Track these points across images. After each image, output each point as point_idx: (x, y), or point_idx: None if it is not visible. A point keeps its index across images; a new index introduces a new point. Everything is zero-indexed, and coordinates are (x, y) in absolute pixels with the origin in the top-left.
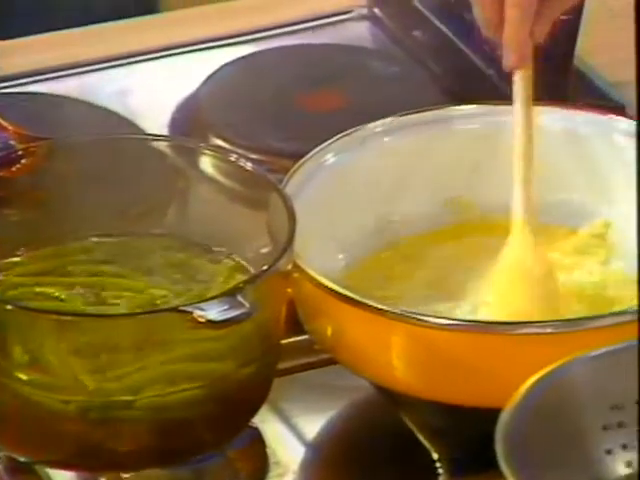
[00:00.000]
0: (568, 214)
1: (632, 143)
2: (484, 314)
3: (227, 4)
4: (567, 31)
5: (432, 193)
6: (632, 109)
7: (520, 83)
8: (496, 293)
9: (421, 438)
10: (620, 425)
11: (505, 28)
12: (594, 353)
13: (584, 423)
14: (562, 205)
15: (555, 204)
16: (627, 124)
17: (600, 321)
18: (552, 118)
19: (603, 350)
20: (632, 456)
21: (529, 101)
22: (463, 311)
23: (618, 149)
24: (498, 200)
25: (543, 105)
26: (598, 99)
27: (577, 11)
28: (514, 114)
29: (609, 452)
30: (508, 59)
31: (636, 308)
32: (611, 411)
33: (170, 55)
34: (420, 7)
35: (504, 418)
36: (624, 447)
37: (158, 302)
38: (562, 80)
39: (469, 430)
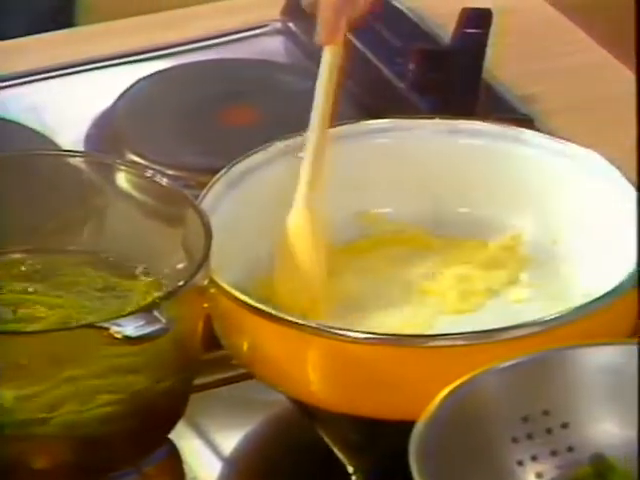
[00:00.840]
0: (478, 227)
1: (541, 155)
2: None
3: (142, 18)
4: (476, 44)
5: (344, 207)
6: (540, 122)
7: (327, 59)
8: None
9: (337, 452)
10: (529, 436)
11: (320, 5)
12: (504, 365)
13: (495, 435)
14: (472, 218)
15: (465, 217)
16: (535, 137)
17: (511, 333)
18: (462, 132)
19: (512, 362)
20: (542, 467)
21: (333, 75)
22: (378, 322)
23: (527, 162)
24: (409, 213)
25: (453, 119)
26: (507, 112)
27: (486, 25)
28: (318, 82)
29: (520, 463)
30: (319, 34)
31: (544, 319)
32: (521, 423)
33: (86, 70)
34: None
35: (417, 431)
36: (534, 458)
37: (75, 318)
38: (471, 94)
39: (384, 443)
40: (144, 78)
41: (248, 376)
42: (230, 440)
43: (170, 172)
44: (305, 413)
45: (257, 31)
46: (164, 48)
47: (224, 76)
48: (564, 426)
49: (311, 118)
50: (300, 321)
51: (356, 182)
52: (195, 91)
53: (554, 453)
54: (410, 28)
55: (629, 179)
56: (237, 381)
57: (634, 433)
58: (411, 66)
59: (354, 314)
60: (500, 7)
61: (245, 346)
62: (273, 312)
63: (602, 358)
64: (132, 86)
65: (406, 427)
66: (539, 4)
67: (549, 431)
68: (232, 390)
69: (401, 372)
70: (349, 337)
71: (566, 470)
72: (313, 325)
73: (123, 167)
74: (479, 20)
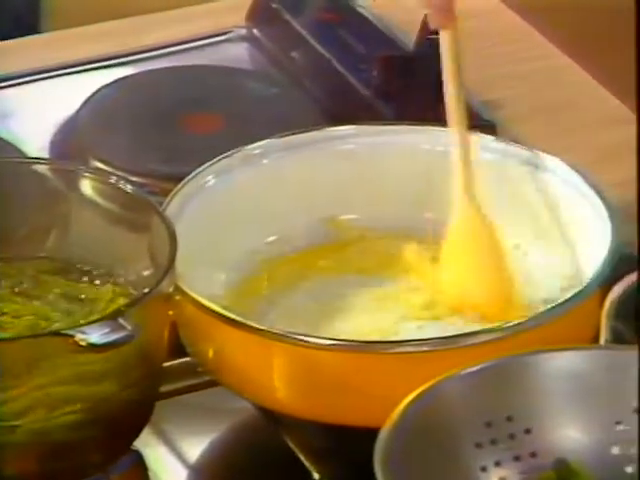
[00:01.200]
0: (442, 232)
1: (503, 161)
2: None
3: (106, 25)
4: (439, 52)
5: (310, 213)
6: (502, 127)
7: (446, 42)
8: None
9: (302, 458)
10: (493, 442)
11: None
12: (467, 371)
13: (459, 440)
14: (437, 224)
15: (430, 223)
16: (498, 143)
17: (474, 338)
18: (425, 138)
19: (476, 368)
20: (505, 473)
21: (457, 58)
22: (343, 328)
23: (490, 167)
24: (375, 219)
25: (417, 125)
26: (470, 118)
27: None
28: (444, 72)
29: (484, 469)
30: (433, 19)
31: (507, 325)
32: (485, 428)
33: (49, 77)
34: (298, 28)
35: (382, 438)
36: (497, 464)
37: (41, 326)
38: (434, 100)
39: (350, 450)
40: (108, 85)
41: (214, 383)
42: (195, 447)
43: (134, 179)
44: (270, 420)
45: (221, 37)
46: (128, 55)
47: (188, 83)
48: (527, 431)
49: (449, 117)
50: (265, 328)
51: (322, 188)
52: (159, 98)
53: (517, 458)
54: (374, 35)
55: (591, 184)
56: (203, 388)
57: (596, 438)
58: (375, 72)
59: (319, 320)
60: (462, 12)
61: (210, 353)
62: (238, 319)
63: (564, 364)
64: (95, 93)
65: (371, 433)
66: (501, 9)
67: (512, 437)
68: (198, 397)
69: (366, 378)
70: (314, 344)
71: (529, 475)
72: (278, 332)
73: (87, 174)
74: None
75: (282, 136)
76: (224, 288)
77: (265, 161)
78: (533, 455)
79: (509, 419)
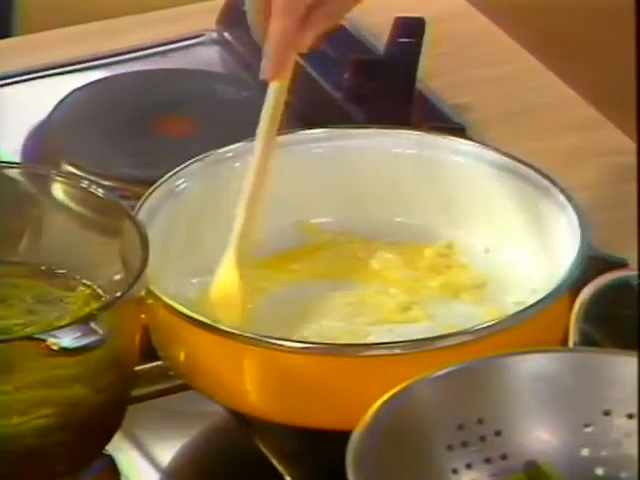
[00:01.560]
0: (414, 236)
1: (474, 164)
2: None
3: (77, 28)
4: (409, 54)
5: (282, 216)
6: (472, 131)
7: (272, 95)
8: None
9: (274, 462)
10: (464, 444)
11: (268, 37)
12: (438, 373)
13: (431, 443)
14: (407, 227)
15: (400, 226)
16: (468, 146)
17: (445, 341)
18: (396, 141)
19: (447, 370)
20: (476, 475)
21: (277, 117)
22: (315, 331)
23: (461, 171)
24: (346, 222)
25: (388, 128)
26: (440, 121)
27: (419, 35)
28: (259, 126)
29: (455, 471)
30: (264, 69)
31: (477, 328)
32: (456, 430)
33: (22, 80)
34: None
35: (354, 440)
36: (468, 466)
37: (12, 330)
38: (405, 103)
39: (322, 453)
40: (79, 88)
41: (185, 387)
42: (168, 451)
43: (106, 183)
44: (242, 423)
45: (192, 41)
46: (99, 58)
47: (160, 86)
48: (498, 434)
49: (254, 154)
50: (236, 331)
51: (293, 191)
52: (131, 101)
53: (488, 461)
54: (345, 38)
55: (560, 187)
56: (174, 392)
57: (566, 440)
58: (346, 76)
59: (291, 323)
60: (433, 16)
61: (182, 357)
62: (210, 322)
63: (534, 366)
64: (67, 96)
65: (343, 436)
66: (471, 13)
67: (483, 439)
68: (169, 401)
69: (338, 381)
70: (285, 347)
71: (500, 477)
72: (249, 335)
73: (59, 178)
74: (412, 29)
75: (253, 140)
76: (195, 292)
77: (237, 164)
78: (504, 457)
79: (480, 421)
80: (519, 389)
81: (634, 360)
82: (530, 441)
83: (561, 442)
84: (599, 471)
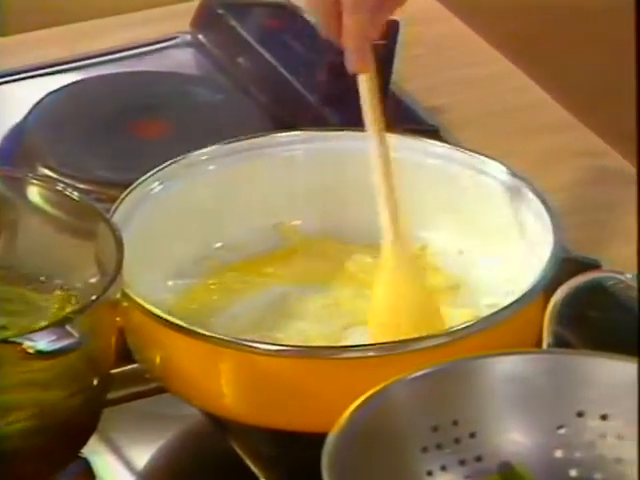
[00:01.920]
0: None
1: (447, 166)
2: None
3: (52, 31)
4: (383, 56)
5: (257, 219)
6: (447, 133)
7: (365, 85)
8: (378, 317)
9: (250, 464)
10: (439, 446)
11: (344, 34)
12: (413, 375)
13: (406, 445)
14: (382, 229)
15: (374, 228)
16: (441, 148)
17: (420, 343)
18: (370, 143)
19: (421, 372)
20: (451, 477)
21: (376, 104)
22: (290, 334)
23: (434, 173)
24: (320, 224)
25: (362, 131)
26: (414, 123)
27: (393, 38)
28: (365, 119)
29: (430, 474)
30: (350, 64)
31: (452, 330)
32: (431, 432)
33: None
34: (244, 34)
35: (329, 443)
36: (443, 468)
37: None
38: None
39: (298, 455)
40: (55, 91)
41: (161, 390)
42: (143, 454)
43: (81, 186)
44: (218, 426)
45: (167, 43)
46: (74, 61)
47: (134, 89)
48: (472, 436)
49: (371, 154)
50: (212, 334)
51: (268, 194)
52: (106, 104)
53: (463, 462)
54: (319, 41)
55: (534, 189)
56: (150, 395)
57: (540, 441)
58: (320, 78)
59: (266, 326)
60: (406, 18)
61: (158, 359)
62: (185, 325)
63: (508, 368)
64: (43, 99)
65: (318, 439)
66: (445, 16)
67: (458, 441)
68: (145, 404)
69: (313, 384)
70: (261, 349)
71: (474, 479)
72: (225, 338)
73: (34, 181)
74: (386, 31)
75: (228, 142)
76: (171, 295)
77: (211, 167)
78: (478, 459)
79: (454, 423)
80: (493, 391)
81: (607, 362)
82: (504, 443)
83: (535, 443)
84: (573, 472)
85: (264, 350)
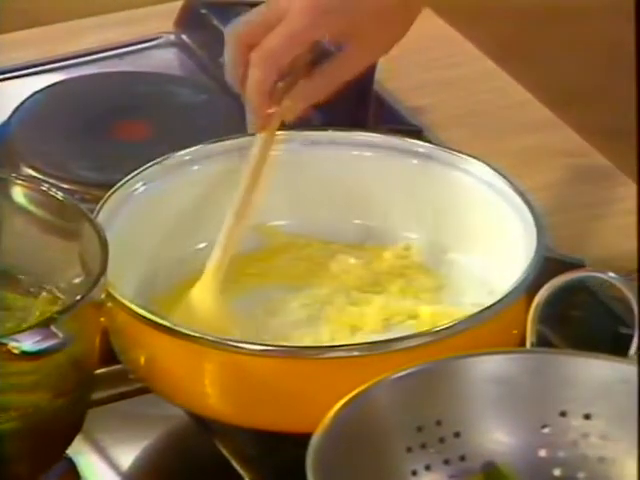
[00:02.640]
0: (372, 239)
1: (431, 166)
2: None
3: (35, 31)
4: None
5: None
6: (429, 132)
7: (258, 147)
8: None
9: (235, 464)
10: (423, 446)
11: (246, 89)
12: (397, 375)
13: (390, 445)
14: (366, 230)
15: (359, 229)
16: (424, 147)
17: (404, 343)
18: (354, 143)
19: (405, 372)
20: (435, 476)
21: (262, 164)
22: (276, 336)
23: (417, 173)
24: (304, 225)
25: (345, 131)
26: (397, 123)
27: None
28: (244, 173)
29: (414, 473)
30: (250, 123)
31: (435, 330)
32: (416, 432)
33: None
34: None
35: (314, 443)
36: (427, 468)
37: None
38: (362, 105)
39: (282, 456)
40: (39, 91)
41: (145, 390)
42: (128, 455)
43: (65, 186)
44: (203, 427)
45: (150, 43)
46: (58, 61)
47: (118, 89)
48: (456, 435)
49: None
50: (197, 334)
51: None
52: (90, 104)
53: (447, 462)
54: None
55: (518, 188)
56: (134, 395)
57: (524, 441)
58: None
59: (249, 326)
60: None
61: (142, 360)
62: (170, 325)
63: (492, 367)
64: (27, 100)
65: (303, 439)
66: (427, 16)
67: (442, 440)
68: (129, 405)
69: (297, 384)
70: (244, 349)
71: (459, 479)
72: (210, 338)
73: (18, 181)
74: None
75: (211, 142)
76: (155, 295)
77: (195, 168)
78: (462, 458)
79: (438, 423)
80: (477, 391)
81: (591, 361)
82: (488, 442)
83: (519, 443)
84: (557, 472)
85: (248, 350)
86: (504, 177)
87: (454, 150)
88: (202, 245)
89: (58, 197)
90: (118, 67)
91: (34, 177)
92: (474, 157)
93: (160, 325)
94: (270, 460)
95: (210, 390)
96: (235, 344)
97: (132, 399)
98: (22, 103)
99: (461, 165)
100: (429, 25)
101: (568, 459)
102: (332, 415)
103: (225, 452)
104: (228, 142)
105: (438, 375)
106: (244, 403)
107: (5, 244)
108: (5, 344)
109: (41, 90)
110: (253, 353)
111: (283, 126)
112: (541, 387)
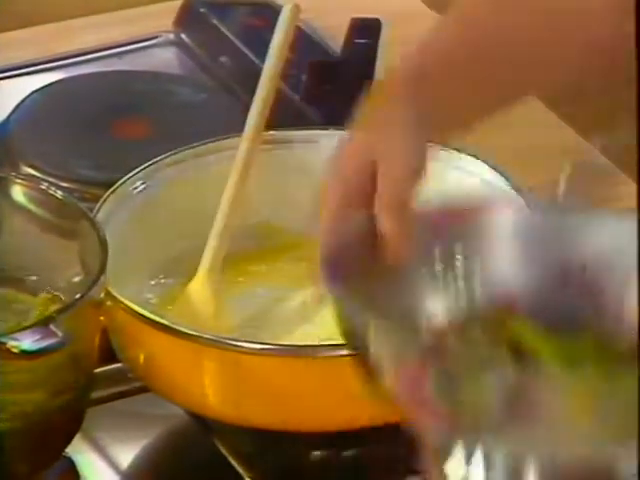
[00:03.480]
0: None
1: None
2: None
3: (34, 30)
4: (366, 54)
5: (242, 218)
6: None
7: (246, 142)
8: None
9: (234, 463)
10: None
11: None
12: None
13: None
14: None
15: None
16: None
17: None
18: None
19: None
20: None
21: (250, 160)
22: (274, 335)
23: None
24: (305, 224)
25: (345, 129)
26: None
27: (375, 36)
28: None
29: None
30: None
31: None
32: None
33: None
34: (227, 33)
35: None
36: None
37: None
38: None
39: (281, 454)
40: (38, 90)
41: (145, 389)
42: (127, 453)
43: (65, 185)
44: (202, 425)
45: (149, 42)
46: (57, 60)
47: (117, 88)
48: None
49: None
50: (195, 333)
51: (253, 192)
52: (89, 103)
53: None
54: (302, 40)
55: (515, 185)
56: (134, 394)
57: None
58: (303, 78)
59: (249, 325)
60: (388, 17)
61: (141, 359)
62: (169, 324)
63: None
64: (26, 99)
65: (302, 438)
66: (427, 14)
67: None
68: (129, 403)
69: (296, 383)
70: (244, 348)
71: None
72: (209, 337)
73: (18, 180)
74: (368, 30)
75: (211, 141)
76: (154, 293)
77: (194, 166)
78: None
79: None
80: None
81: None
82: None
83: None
84: None
85: (248, 349)
86: (502, 174)
87: (451, 147)
88: (203, 243)
89: (57, 196)
90: (117, 66)
91: (33, 176)
92: (473, 156)
93: (159, 324)
94: (269, 458)
95: (209, 389)
96: (234, 343)
97: (131, 398)
98: (21, 102)
99: (460, 164)
100: (429, 24)
101: None
102: None
103: (224, 450)
104: (227, 141)
105: None
106: (243, 402)
107: (4, 243)
108: (4, 343)
109: (40, 89)
110: (252, 352)
111: (282, 125)
112: None
